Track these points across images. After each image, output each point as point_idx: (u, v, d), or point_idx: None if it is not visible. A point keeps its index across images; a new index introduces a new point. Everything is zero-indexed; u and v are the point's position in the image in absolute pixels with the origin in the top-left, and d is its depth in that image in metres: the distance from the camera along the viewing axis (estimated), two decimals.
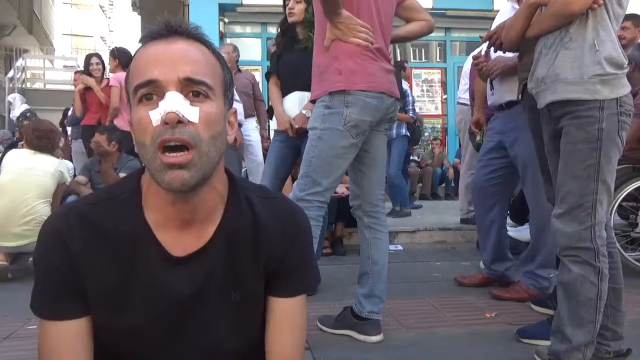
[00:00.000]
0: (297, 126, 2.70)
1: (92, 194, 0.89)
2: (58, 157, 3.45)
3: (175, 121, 0.71)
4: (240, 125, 4.28)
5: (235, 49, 4.93)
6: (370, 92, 1.90)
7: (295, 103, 2.78)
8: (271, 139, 3.26)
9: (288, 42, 2.84)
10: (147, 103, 0.74)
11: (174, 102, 0.71)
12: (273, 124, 3.00)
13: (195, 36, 0.78)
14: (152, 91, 0.73)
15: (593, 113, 1.55)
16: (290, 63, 2.79)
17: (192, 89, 0.74)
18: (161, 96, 0.73)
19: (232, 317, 0.85)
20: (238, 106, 4.18)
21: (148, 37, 0.78)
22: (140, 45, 0.79)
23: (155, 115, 0.72)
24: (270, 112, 3.09)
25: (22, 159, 3.18)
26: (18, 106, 9.00)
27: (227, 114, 0.82)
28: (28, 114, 8.29)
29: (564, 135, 1.63)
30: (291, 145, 2.89)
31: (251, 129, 4.86)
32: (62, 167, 3.29)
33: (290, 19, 2.74)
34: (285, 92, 2.87)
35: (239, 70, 4.91)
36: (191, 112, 0.73)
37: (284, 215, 0.90)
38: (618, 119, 1.56)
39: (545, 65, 1.66)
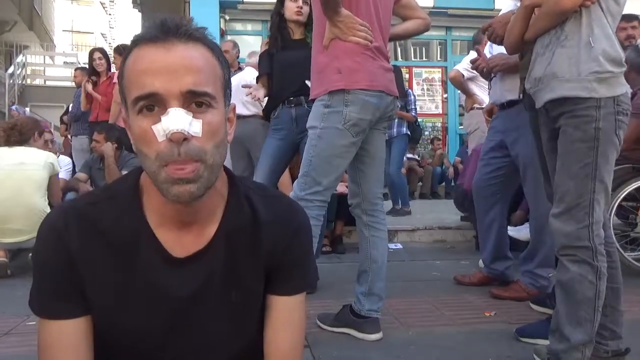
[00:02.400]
0: None
1: (91, 192, 0.88)
2: (56, 153, 3.44)
3: (181, 140, 0.70)
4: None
5: (235, 45, 4.74)
6: (370, 91, 1.90)
7: None
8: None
9: (282, 39, 2.83)
10: (148, 114, 0.72)
11: (178, 121, 0.70)
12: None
13: (194, 37, 0.74)
14: (153, 103, 0.72)
15: (590, 112, 1.55)
16: (286, 61, 2.78)
17: (194, 100, 0.72)
18: (162, 108, 0.71)
19: (232, 316, 0.85)
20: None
21: (144, 39, 0.73)
22: (134, 45, 0.75)
23: (160, 132, 0.71)
24: (265, 113, 3.07)
25: (7, 155, 3.14)
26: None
27: (227, 113, 0.81)
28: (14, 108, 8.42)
29: (562, 134, 1.63)
30: (289, 143, 2.88)
31: None
32: (52, 159, 3.28)
33: (295, 17, 2.75)
34: (282, 90, 2.85)
35: (240, 69, 4.83)
36: (195, 126, 0.71)
37: (284, 213, 0.89)
38: (615, 118, 1.55)
39: (543, 65, 1.66)
